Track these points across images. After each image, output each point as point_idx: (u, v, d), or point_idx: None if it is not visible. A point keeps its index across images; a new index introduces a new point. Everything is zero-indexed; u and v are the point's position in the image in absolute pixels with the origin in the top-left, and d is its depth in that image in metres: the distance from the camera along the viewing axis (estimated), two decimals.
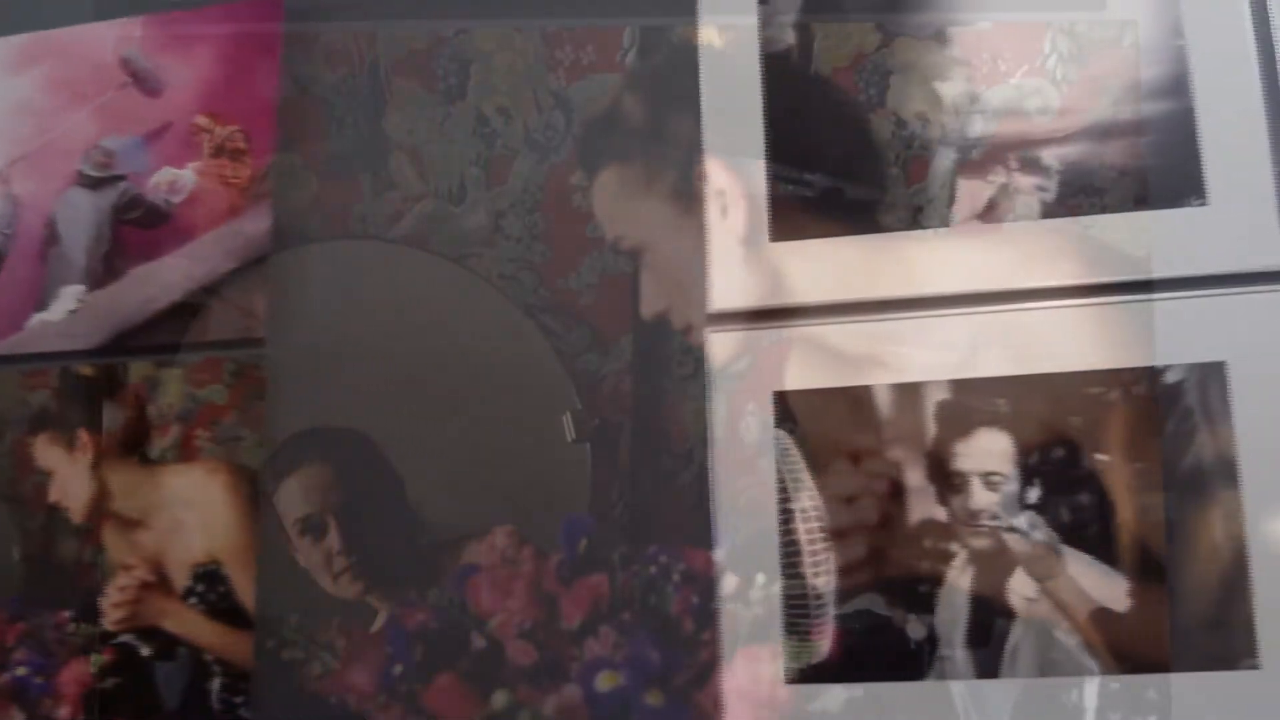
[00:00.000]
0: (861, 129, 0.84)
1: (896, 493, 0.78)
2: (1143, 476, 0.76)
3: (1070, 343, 0.79)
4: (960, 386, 0.79)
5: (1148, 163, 0.80)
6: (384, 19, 0.92)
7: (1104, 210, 0.80)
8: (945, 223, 0.81)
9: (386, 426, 0.86)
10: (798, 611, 0.78)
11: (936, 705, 0.75)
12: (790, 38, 0.86)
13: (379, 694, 0.79)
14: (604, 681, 0.78)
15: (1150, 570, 0.75)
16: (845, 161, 0.84)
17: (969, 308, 0.80)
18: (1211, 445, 0.76)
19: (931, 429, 0.78)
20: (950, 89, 0.83)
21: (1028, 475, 0.77)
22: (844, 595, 0.78)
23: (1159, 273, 0.79)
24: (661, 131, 0.87)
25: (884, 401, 0.79)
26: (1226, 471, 0.75)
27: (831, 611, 0.77)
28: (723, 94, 0.86)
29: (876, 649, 0.77)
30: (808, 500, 0.79)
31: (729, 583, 0.79)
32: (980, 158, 0.82)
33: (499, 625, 0.79)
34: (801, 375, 0.81)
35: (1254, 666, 0.72)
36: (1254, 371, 0.76)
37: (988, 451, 0.78)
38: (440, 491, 0.84)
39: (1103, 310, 0.79)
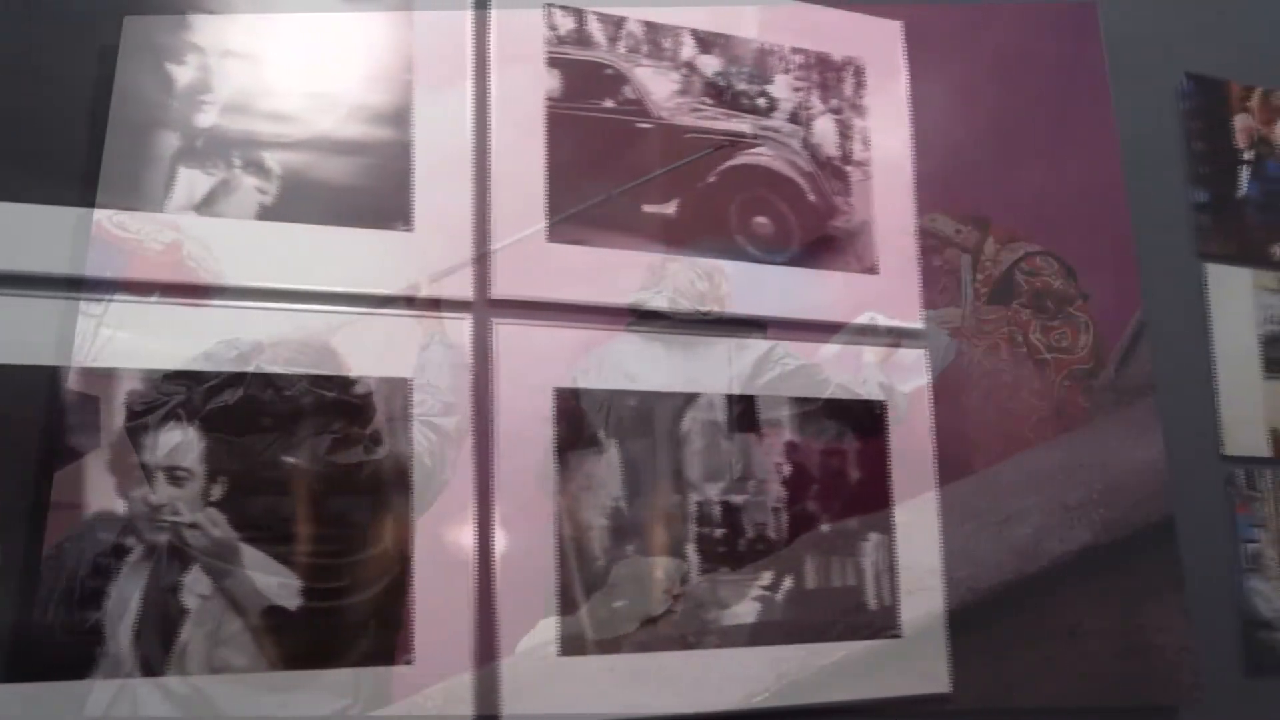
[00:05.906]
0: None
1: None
2: (325, 480, 0.80)
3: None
4: (150, 377, 0.77)
5: (364, 183, 0.85)
6: None
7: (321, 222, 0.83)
8: (159, 208, 0.79)
9: None
10: None
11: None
12: None
13: None
14: None
15: (322, 570, 0.79)
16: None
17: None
18: (391, 455, 0.82)
19: (119, 419, 0.75)
20: (183, 73, 0.81)
21: (214, 472, 0.77)
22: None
23: (366, 290, 0.84)
24: None
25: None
26: (401, 480, 0.82)
27: None
28: None
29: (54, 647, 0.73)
30: None
31: None
32: (204, 148, 0.81)
33: None
34: None
35: (409, 662, 0.79)
36: (431, 390, 0.84)
37: (174, 446, 0.77)
38: None
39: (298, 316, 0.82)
